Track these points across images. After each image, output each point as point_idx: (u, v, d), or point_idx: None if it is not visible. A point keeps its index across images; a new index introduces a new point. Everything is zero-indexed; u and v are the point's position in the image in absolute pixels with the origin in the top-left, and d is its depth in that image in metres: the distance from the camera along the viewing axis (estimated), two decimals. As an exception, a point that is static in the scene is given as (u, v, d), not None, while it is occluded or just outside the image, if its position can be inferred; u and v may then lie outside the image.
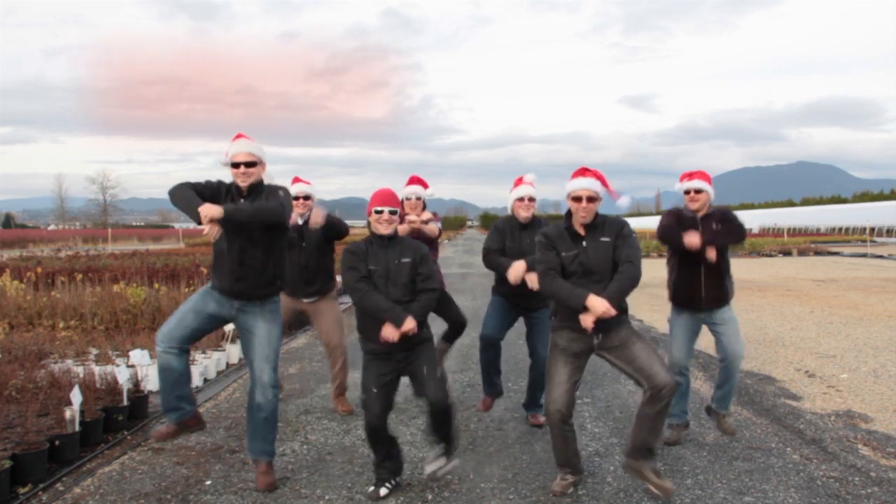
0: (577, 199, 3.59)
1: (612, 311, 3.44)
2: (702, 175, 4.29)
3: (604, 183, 3.66)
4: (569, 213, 3.71)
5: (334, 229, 5.08)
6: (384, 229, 3.70)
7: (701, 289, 4.24)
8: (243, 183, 3.69)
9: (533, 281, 4.40)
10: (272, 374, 3.75)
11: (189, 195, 3.52)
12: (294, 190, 4.96)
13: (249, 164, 3.68)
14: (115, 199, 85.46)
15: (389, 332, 3.54)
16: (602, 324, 3.53)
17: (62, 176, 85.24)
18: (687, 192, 4.26)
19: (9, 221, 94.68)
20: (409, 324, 3.54)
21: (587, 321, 3.46)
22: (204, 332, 3.82)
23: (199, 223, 3.48)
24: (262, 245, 3.68)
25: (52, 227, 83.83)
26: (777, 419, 5.01)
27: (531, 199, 4.66)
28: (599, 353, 3.69)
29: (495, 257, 4.65)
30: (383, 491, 3.66)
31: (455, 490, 3.74)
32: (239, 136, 3.77)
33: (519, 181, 4.74)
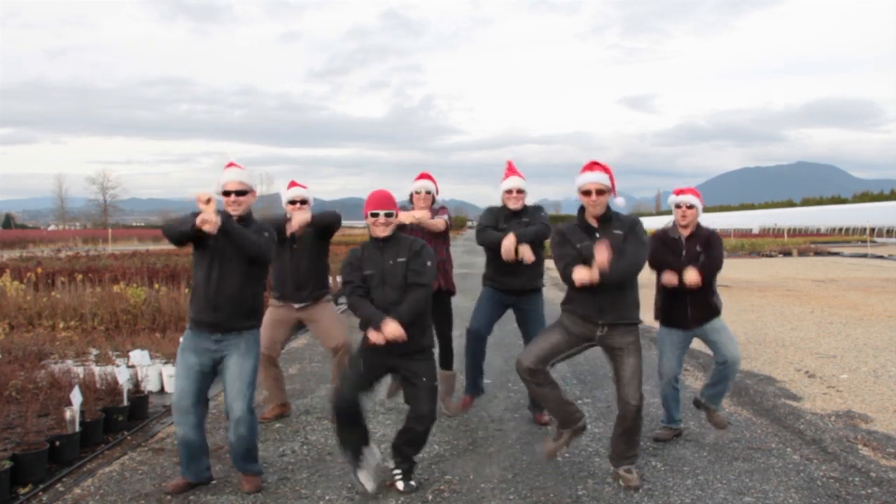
0: (587, 192, 3.70)
1: (605, 266, 3.47)
2: (693, 192, 4.42)
3: (610, 178, 3.75)
4: (581, 209, 3.80)
5: (323, 222, 4.87)
6: (380, 232, 3.71)
7: (687, 309, 4.37)
8: (234, 212, 3.69)
9: (526, 253, 4.48)
10: (243, 406, 3.62)
11: (178, 217, 3.58)
12: (290, 194, 4.91)
13: (240, 193, 3.71)
14: (115, 200, 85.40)
15: (374, 336, 3.52)
16: (611, 315, 3.65)
17: (62, 176, 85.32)
18: (678, 206, 4.38)
19: (9, 222, 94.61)
20: (391, 327, 3.47)
21: (583, 274, 3.52)
22: (203, 388, 3.73)
23: (199, 234, 3.47)
24: (240, 275, 3.65)
25: (52, 228, 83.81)
26: (777, 419, 5.01)
27: (520, 192, 4.69)
28: (600, 344, 3.78)
29: (489, 232, 4.71)
30: (371, 485, 3.63)
31: (455, 490, 3.74)
32: (230, 164, 3.79)
33: (508, 172, 4.76)
